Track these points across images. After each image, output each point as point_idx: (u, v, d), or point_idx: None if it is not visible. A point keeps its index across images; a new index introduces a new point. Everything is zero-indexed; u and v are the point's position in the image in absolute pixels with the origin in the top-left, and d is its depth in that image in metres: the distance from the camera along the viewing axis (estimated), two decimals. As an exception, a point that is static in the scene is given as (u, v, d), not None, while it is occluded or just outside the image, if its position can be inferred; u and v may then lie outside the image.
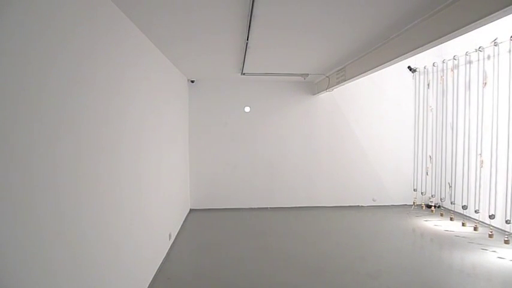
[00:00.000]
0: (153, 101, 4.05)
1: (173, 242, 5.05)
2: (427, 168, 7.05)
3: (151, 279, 3.78)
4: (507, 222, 5.08)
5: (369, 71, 4.61)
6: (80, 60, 2.20)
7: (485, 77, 5.57)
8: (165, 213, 4.67)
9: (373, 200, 7.45)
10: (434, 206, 6.93)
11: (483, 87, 5.63)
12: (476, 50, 5.67)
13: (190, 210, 7.09)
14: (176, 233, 5.42)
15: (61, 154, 1.95)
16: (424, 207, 7.09)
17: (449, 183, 6.53)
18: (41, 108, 1.77)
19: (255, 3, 2.76)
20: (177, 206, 5.59)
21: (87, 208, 2.26)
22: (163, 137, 4.57)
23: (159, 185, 4.30)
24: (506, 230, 5.14)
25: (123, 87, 2.99)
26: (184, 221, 6.25)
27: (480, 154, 5.68)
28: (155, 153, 4.12)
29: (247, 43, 3.95)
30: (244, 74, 6.06)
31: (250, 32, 3.50)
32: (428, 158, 7.06)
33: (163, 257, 4.43)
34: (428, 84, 7.03)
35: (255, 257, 4.65)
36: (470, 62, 5.96)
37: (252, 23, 3.24)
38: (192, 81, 7.03)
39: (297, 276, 4.04)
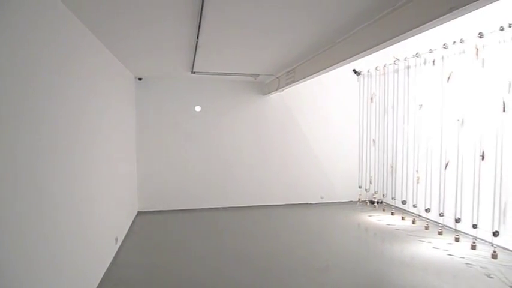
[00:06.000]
0: (95, 98, 3.80)
1: (120, 247, 4.83)
2: (370, 177, 7.41)
3: (96, 286, 3.58)
4: (441, 215, 5.53)
5: (317, 73, 4.76)
6: (11, 51, 2.01)
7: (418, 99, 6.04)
8: (111, 216, 4.44)
9: (321, 198, 7.71)
10: (377, 202, 7.33)
11: (419, 109, 6.08)
12: (413, 56, 6.08)
13: (138, 212, 6.82)
14: (123, 237, 5.19)
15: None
16: (368, 203, 7.48)
17: (391, 165, 6.94)
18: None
19: (205, 2, 2.72)
20: (123, 208, 5.35)
21: (22, 212, 2.09)
22: (106, 137, 4.32)
23: (100, 187, 4.06)
24: (440, 222, 5.59)
25: (61, 83, 2.78)
26: (131, 224, 6.00)
27: (417, 171, 6.13)
28: (98, 154, 3.89)
29: (197, 41, 3.89)
30: (194, 72, 5.96)
31: (200, 30, 3.45)
32: (372, 142, 7.45)
33: (110, 262, 4.22)
34: (371, 98, 7.40)
35: (206, 258, 4.59)
36: (408, 67, 6.39)
37: (202, 22, 3.20)
38: (140, 79, 6.78)
39: (249, 275, 4.06)
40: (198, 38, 3.72)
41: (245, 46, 4.32)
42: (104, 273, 3.93)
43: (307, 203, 7.68)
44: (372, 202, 7.41)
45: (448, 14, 2.34)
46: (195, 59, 4.88)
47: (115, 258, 4.44)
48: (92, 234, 3.55)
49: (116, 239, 4.66)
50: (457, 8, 2.25)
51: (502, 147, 4.51)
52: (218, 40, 4.00)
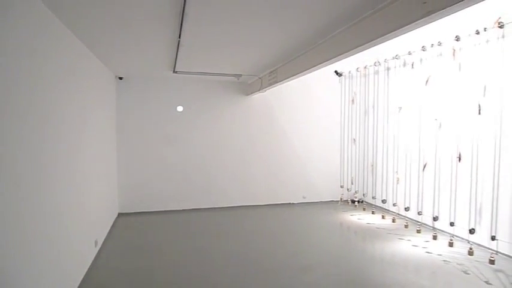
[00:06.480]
0: (73, 97, 3.69)
1: (100, 249, 4.73)
2: (352, 177, 7.54)
3: (75, 290, 3.51)
4: (419, 213, 5.66)
5: (299, 74, 4.79)
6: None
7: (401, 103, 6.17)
8: (90, 218, 4.34)
9: (303, 197, 7.77)
10: (358, 201, 7.44)
11: (399, 112, 6.22)
12: (393, 58, 6.21)
13: (119, 214, 6.70)
14: (103, 240, 5.09)
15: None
16: (349, 203, 7.59)
17: (371, 164, 7.08)
18: None
19: (186, 1, 2.70)
20: (103, 210, 5.24)
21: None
22: (85, 137, 4.22)
23: (80, 188, 3.96)
24: (419, 220, 5.72)
25: (37, 82, 2.70)
26: (112, 226, 5.89)
27: (397, 172, 6.27)
28: (76, 155, 3.80)
29: (179, 41, 3.85)
30: (176, 72, 5.90)
31: (182, 29, 3.41)
32: (352, 141, 7.59)
33: (89, 265, 4.13)
34: (352, 100, 7.52)
35: (189, 259, 4.55)
36: (388, 69, 6.52)
37: (184, 21, 3.17)
38: (121, 78, 6.66)
39: (232, 275, 4.05)
40: (180, 37, 3.68)
41: (227, 46, 4.30)
42: (83, 277, 3.84)
43: (289, 203, 7.72)
44: (353, 201, 7.51)
45: (425, 18, 2.41)
46: (177, 58, 4.82)
47: (95, 261, 4.35)
48: (70, 237, 3.46)
49: (96, 242, 4.57)
50: (434, 12, 2.31)
51: (478, 149, 4.66)
52: (200, 40, 3.97)
